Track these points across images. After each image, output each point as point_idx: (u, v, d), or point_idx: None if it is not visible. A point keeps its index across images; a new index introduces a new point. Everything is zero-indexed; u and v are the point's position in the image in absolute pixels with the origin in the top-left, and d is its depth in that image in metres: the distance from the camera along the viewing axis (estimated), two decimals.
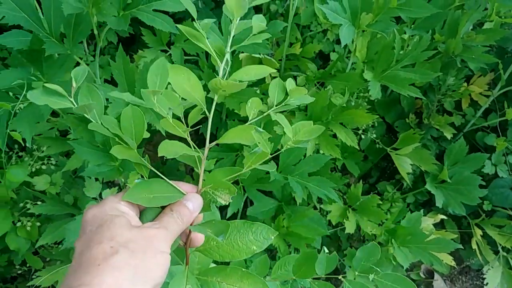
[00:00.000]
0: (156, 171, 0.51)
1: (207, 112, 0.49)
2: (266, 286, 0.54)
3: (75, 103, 0.48)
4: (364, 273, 0.69)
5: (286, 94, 0.54)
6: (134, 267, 0.40)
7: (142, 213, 0.49)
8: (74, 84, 0.48)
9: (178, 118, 0.51)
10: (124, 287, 0.38)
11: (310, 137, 0.55)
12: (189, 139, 0.51)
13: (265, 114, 0.54)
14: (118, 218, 0.44)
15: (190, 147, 0.51)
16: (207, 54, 1.29)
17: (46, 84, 0.46)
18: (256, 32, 0.51)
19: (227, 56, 0.50)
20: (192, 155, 0.52)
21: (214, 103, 0.51)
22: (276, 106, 0.54)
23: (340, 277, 0.68)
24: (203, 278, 0.54)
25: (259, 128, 0.51)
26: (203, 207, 0.51)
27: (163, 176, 0.50)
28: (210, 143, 0.52)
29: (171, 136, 0.51)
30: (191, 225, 0.51)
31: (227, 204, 0.52)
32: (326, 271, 0.70)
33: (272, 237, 0.54)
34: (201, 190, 0.52)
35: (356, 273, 0.69)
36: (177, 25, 0.48)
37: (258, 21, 0.50)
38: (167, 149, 0.50)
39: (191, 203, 0.49)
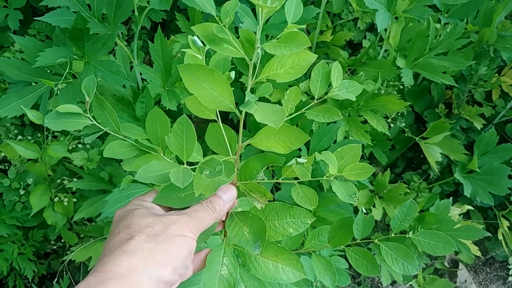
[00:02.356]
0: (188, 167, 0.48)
1: (238, 115, 0.44)
2: (300, 263, 0.55)
3: (92, 120, 0.47)
4: (401, 234, 0.69)
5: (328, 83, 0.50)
6: (150, 250, 0.39)
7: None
8: (87, 99, 0.47)
9: None
10: (139, 268, 0.38)
11: (357, 178, 0.53)
12: (219, 120, 0.48)
13: (307, 107, 0.50)
14: (138, 210, 0.44)
15: (222, 130, 0.49)
16: None
17: (59, 107, 0.45)
18: (291, 19, 0.41)
19: (258, 50, 0.40)
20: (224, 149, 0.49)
21: (244, 113, 0.44)
22: (317, 99, 0.50)
23: (376, 240, 0.68)
24: (240, 249, 0.55)
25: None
26: (240, 193, 0.51)
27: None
28: (241, 135, 0.48)
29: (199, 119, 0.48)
30: (228, 210, 0.51)
31: None
32: (362, 235, 0.71)
33: (310, 222, 0.54)
34: (236, 184, 0.52)
35: (393, 234, 0.69)
36: (192, 27, 0.40)
37: (293, 7, 0.41)
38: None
39: (224, 194, 0.48)
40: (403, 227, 0.68)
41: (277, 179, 1.13)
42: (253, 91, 0.41)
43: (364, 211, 0.69)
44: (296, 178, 0.52)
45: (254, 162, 0.52)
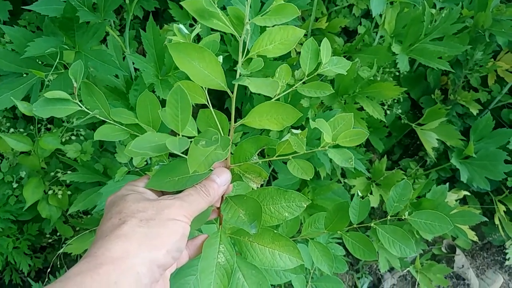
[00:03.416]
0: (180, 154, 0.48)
1: (230, 93, 0.45)
2: (297, 249, 0.55)
3: (81, 105, 0.46)
4: (397, 216, 0.68)
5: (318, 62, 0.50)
6: (142, 234, 0.39)
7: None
8: (75, 84, 0.46)
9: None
10: (131, 252, 0.37)
11: (352, 144, 0.53)
12: (209, 105, 0.47)
13: (297, 85, 0.51)
14: (130, 195, 0.43)
15: (212, 114, 0.48)
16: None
17: (47, 93, 0.45)
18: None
19: (247, 26, 0.42)
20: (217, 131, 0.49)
21: (236, 86, 0.45)
22: (308, 76, 0.51)
23: (372, 224, 0.68)
24: (236, 237, 0.55)
25: (295, 131, 0.49)
26: (233, 178, 0.51)
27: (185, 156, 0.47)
28: (235, 120, 0.48)
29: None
30: (223, 195, 0.51)
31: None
32: (358, 219, 0.70)
33: (305, 205, 0.54)
34: (230, 167, 0.51)
35: (389, 216, 0.69)
36: (182, 2, 0.41)
37: None
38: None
39: (217, 177, 0.48)
40: (399, 208, 0.68)
41: (268, 155, 1.12)
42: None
43: (360, 194, 0.69)
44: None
45: (248, 144, 0.51)
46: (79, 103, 0.46)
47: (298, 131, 0.49)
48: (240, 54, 0.42)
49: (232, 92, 0.44)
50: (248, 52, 0.43)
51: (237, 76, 0.41)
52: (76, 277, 0.35)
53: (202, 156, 0.42)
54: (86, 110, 0.46)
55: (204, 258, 0.49)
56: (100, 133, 0.46)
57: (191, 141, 0.39)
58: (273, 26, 0.42)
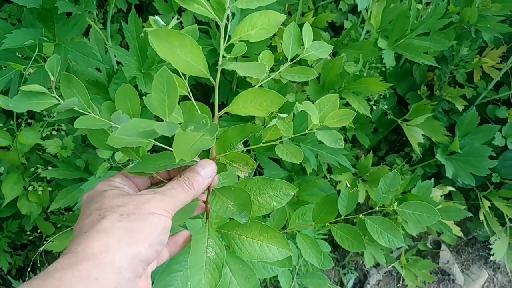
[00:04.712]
0: (163, 145, 0.47)
1: (212, 80, 0.44)
2: (285, 240, 0.54)
3: (59, 99, 0.44)
4: (384, 208, 0.68)
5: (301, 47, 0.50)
6: (123, 229, 0.38)
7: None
8: (52, 78, 0.45)
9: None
10: (113, 247, 0.37)
11: (339, 125, 0.52)
12: (191, 97, 0.46)
13: (281, 70, 0.50)
14: (108, 191, 0.42)
15: (195, 106, 0.47)
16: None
17: (23, 87, 0.43)
18: None
19: (228, 11, 0.42)
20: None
21: (219, 72, 0.44)
22: (291, 61, 0.50)
23: (360, 215, 0.67)
24: (223, 231, 0.54)
25: (282, 115, 0.48)
26: (219, 169, 0.50)
27: (170, 148, 0.44)
28: (217, 103, 0.47)
29: None
30: (209, 188, 0.50)
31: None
32: (347, 211, 0.70)
33: (292, 193, 0.53)
34: (216, 158, 0.50)
35: (377, 208, 0.68)
36: None
37: None
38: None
39: (202, 169, 0.46)
40: (387, 199, 0.67)
41: (254, 151, 1.10)
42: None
43: (349, 185, 0.68)
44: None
45: (233, 131, 0.50)
46: (57, 96, 0.44)
47: (285, 115, 0.48)
48: (222, 40, 0.41)
49: (215, 80, 0.43)
50: (230, 38, 0.43)
51: (220, 60, 0.40)
52: (55, 273, 0.34)
53: (189, 143, 0.41)
54: (63, 103, 0.44)
55: (193, 253, 0.48)
56: (80, 122, 0.45)
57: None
58: (256, 8, 0.42)
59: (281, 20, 0.42)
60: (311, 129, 0.53)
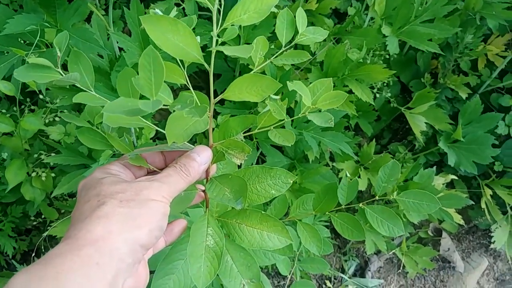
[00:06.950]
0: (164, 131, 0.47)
1: (206, 66, 0.44)
2: (285, 228, 0.54)
3: (63, 74, 0.44)
4: (385, 197, 0.68)
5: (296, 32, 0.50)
6: (123, 215, 0.38)
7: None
8: (59, 53, 0.45)
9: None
10: (114, 233, 0.37)
11: (332, 106, 0.52)
12: (189, 85, 0.46)
13: (274, 56, 0.50)
14: (106, 178, 0.43)
15: (193, 94, 0.46)
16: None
17: (30, 59, 0.43)
18: None
19: None
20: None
21: (213, 56, 0.44)
22: (285, 46, 0.50)
23: (360, 204, 0.68)
24: (223, 220, 0.55)
25: (274, 96, 0.48)
26: (217, 157, 0.50)
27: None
28: (212, 90, 0.47)
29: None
30: (207, 177, 0.50)
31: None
32: (347, 200, 0.70)
33: (291, 181, 0.54)
34: (213, 145, 0.50)
35: (377, 197, 0.69)
36: None
37: None
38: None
39: (198, 155, 0.47)
40: (387, 189, 0.68)
41: (256, 139, 1.11)
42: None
43: (349, 175, 0.68)
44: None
45: (234, 122, 0.50)
46: (61, 71, 0.45)
47: (278, 97, 0.48)
48: (214, 24, 0.41)
49: (209, 65, 0.43)
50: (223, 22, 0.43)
51: (213, 42, 0.41)
52: (56, 258, 0.34)
53: (182, 127, 0.41)
54: (67, 78, 0.44)
55: (192, 241, 0.49)
56: (80, 97, 0.45)
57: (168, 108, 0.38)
58: None
59: (274, 3, 0.42)
60: (304, 112, 0.53)
